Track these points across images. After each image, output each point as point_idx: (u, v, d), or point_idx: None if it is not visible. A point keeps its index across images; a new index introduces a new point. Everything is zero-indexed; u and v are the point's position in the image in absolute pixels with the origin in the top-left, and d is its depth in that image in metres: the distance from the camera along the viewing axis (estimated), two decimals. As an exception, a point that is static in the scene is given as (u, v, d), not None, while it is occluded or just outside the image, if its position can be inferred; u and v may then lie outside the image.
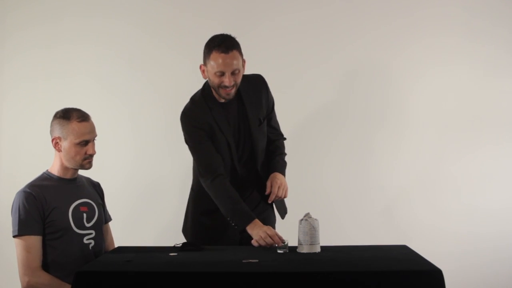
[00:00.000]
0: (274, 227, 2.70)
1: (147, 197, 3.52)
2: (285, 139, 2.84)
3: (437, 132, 3.47)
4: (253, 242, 2.43)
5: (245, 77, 2.66)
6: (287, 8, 3.52)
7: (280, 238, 2.37)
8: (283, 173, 2.70)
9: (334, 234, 3.39)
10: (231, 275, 1.94)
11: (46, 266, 2.29)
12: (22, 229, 2.25)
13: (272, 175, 2.65)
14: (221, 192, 2.54)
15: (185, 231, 2.79)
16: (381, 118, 3.49)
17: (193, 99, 2.65)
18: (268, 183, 2.62)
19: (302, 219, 2.29)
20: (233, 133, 2.62)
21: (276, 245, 2.35)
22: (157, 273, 1.95)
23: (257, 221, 2.47)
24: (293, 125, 3.43)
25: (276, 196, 2.59)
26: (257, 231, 2.42)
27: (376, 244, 2.48)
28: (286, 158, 2.79)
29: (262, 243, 2.39)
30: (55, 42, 3.55)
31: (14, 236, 2.27)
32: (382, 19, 3.49)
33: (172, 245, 2.42)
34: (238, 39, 2.52)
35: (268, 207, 2.74)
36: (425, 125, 3.48)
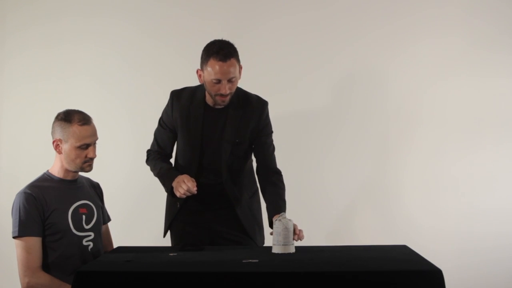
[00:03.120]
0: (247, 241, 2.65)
1: (147, 197, 3.51)
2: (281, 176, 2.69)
3: (437, 132, 3.47)
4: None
5: (248, 94, 2.63)
6: (287, 9, 3.51)
7: (191, 184, 2.42)
8: None
9: (334, 234, 3.40)
10: (231, 275, 1.95)
11: (46, 267, 2.28)
12: (22, 230, 2.24)
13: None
14: (152, 165, 2.70)
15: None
16: (381, 119, 3.49)
17: (187, 87, 2.70)
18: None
19: (276, 219, 2.27)
20: (203, 135, 2.58)
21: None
22: (157, 273, 1.95)
23: (178, 176, 2.51)
24: (294, 125, 3.43)
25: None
26: (175, 184, 2.50)
27: (376, 244, 2.49)
28: (286, 161, 2.75)
29: (178, 194, 2.47)
30: (55, 42, 3.55)
31: (14, 237, 2.26)
32: (382, 20, 3.48)
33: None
34: (237, 40, 2.51)
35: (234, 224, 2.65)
36: (425, 126, 3.47)
